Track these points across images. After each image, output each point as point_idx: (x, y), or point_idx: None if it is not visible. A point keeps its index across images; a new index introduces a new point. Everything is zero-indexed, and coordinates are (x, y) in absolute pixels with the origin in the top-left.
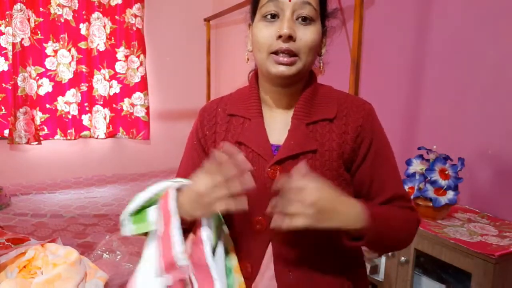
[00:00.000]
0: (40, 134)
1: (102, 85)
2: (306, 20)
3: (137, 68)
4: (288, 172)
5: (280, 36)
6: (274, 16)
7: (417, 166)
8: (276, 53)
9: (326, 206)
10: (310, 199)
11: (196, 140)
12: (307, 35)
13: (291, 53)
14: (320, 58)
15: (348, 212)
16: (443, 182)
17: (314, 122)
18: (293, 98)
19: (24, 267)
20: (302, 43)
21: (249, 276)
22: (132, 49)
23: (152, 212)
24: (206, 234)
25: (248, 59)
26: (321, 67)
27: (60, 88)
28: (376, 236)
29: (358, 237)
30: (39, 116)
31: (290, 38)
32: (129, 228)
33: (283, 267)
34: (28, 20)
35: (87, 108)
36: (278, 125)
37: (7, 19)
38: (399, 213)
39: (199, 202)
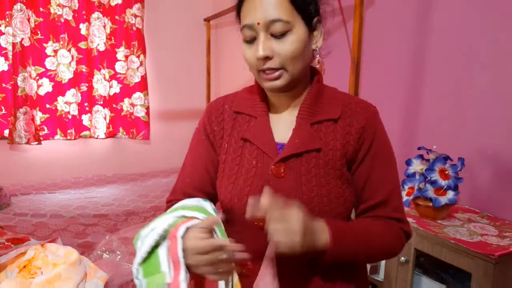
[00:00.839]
0: (40, 134)
1: (102, 85)
2: (280, 34)
3: (137, 68)
4: (292, 169)
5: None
6: (252, 37)
7: (417, 166)
8: (263, 70)
9: (307, 231)
10: (297, 228)
11: (204, 136)
12: (284, 48)
13: (275, 69)
14: (317, 52)
15: (316, 233)
16: (443, 182)
17: (318, 121)
18: (296, 99)
19: (24, 267)
20: (281, 57)
21: (251, 273)
22: (132, 49)
23: (163, 258)
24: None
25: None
26: (318, 61)
27: (60, 88)
28: (341, 252)
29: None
30: (39, 116)
31: (267, 58)
32: (142, 283)
33: (285, 266)
34: (28, 20)
35: (87, 108)
36: (283, 123)
37: (7, 19)
38: (379, 227)
39: (200, 264)
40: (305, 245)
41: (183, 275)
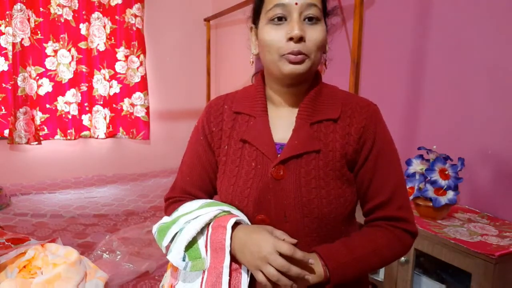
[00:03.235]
0: (40, 134)
1: (102, 85)
2: (312, 20)
3: (137, 68)
4: (291, 171)
5: (291, 38)
6: (281, 18)
7: (417, 166)
8: (289, 53)
9: None
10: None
11: (202, 136)
12: (315, 35)
13: (301, 52)
14: (325, 55)
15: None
16: (443, 182)
17: (318, 121)
18: (299, 97)
19: (24, 267)
20: (311, 43)
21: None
22: (132, 49)
23: (202, 246)
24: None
25: (252, 62)
26: (325, 63)
27: (60, 88)
28: (344, 279)
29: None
30: (39, 116)
31: (301, 39)
32: (187, 265)
33: None
34: (28, 20)
35: (87, 108)
36: (282, 123)
37: (7, 19)
38: (379, 238)
39: (257, 261)
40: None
41: (227, 262)
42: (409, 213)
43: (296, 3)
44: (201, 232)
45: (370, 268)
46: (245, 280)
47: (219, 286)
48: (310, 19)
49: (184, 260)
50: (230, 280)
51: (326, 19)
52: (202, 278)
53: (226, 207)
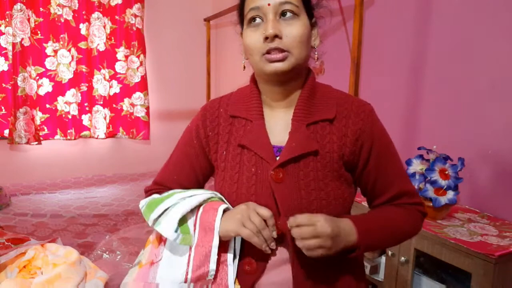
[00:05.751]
0: (40, 134)
1: (102, 85)
2: (289, 16)
3: (137, 68)
4: (290, 174)
5: (266, 38)
6: (258, 20)
7: (417, 166)
8: (268, 52)
9: (336, 234)
10: (327, 232)
11: (196, 140)
12: (293, 31)
13: (281, 50)
14: (315, 49)
15: (345, 234)
16: (443, 182)
17: (314, 122)
18: (292, 96)
19: (24, 267)
20: (289, 39)
21: (254, 271)
22: (132, 49)
23: (191, 224)
24: (231, 257)
25: (244, 67)
26: (317, 58)
27: (60, 88)
28: (371, 245)
29: (352, 249)
30: (39, 116)
31: (276, 37)
32: (178, 237)
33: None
34: (28, 20)
35: (87, 108)
36: (279, 125)
37: (7, 19)
38: (398, 213)
39: (240, 218)
40: (334, 249)
41: (216, 241)
42: (418, 197)
43: (269, 4)
44: (191, 211)
45: (391, 240)
46: (231, 272)
47: (207, 264)
48: (286, 16)
49: (176, 231)
50: (217, 266)
51: (313, 12)
52: (189, 255)
53: (220, 195)
